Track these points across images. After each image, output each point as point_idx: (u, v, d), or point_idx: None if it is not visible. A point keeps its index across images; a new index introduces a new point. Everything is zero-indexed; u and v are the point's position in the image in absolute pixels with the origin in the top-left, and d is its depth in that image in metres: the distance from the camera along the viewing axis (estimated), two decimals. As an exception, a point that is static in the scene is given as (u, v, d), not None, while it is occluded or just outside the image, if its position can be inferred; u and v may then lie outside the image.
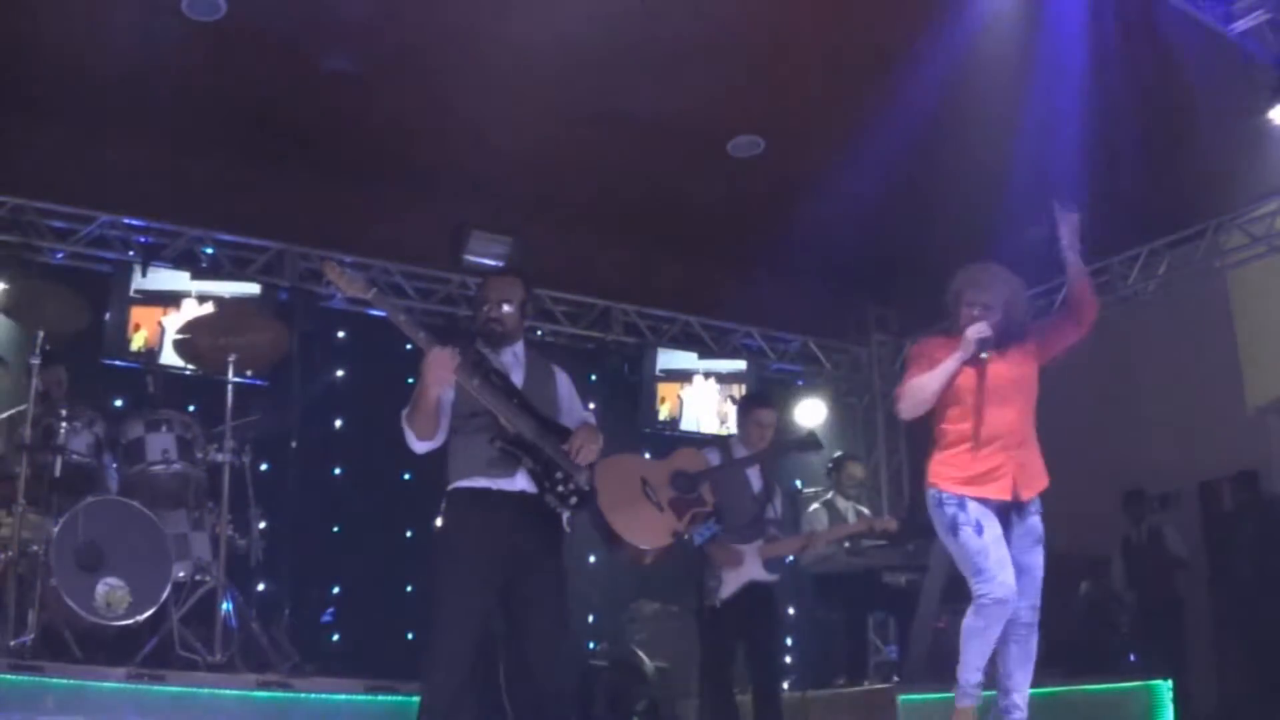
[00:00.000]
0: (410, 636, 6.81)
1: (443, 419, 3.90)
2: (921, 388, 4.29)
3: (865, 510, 7.15)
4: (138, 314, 6.93)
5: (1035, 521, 4.29)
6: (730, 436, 5.75)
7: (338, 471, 7.35)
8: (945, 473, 4.28)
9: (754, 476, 5.51)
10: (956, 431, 4.32)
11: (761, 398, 6.25)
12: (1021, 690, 4.21)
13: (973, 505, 4.16)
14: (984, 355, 4.22)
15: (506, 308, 4.09)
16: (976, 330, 4.24)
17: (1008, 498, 4.20)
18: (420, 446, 3.93)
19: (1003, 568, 4.07)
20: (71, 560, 4.69)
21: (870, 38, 6.30)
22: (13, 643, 4.47)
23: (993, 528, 4.13)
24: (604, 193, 7.58)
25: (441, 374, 3.75)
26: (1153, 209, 7.74)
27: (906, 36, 6.21)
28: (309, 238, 7.47)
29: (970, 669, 4.14)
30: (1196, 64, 6.15)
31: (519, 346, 4.16)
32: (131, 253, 7.03)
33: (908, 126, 6.92)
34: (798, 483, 7.77)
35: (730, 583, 5.25)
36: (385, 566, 7.16)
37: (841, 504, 6.92)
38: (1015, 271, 4.47)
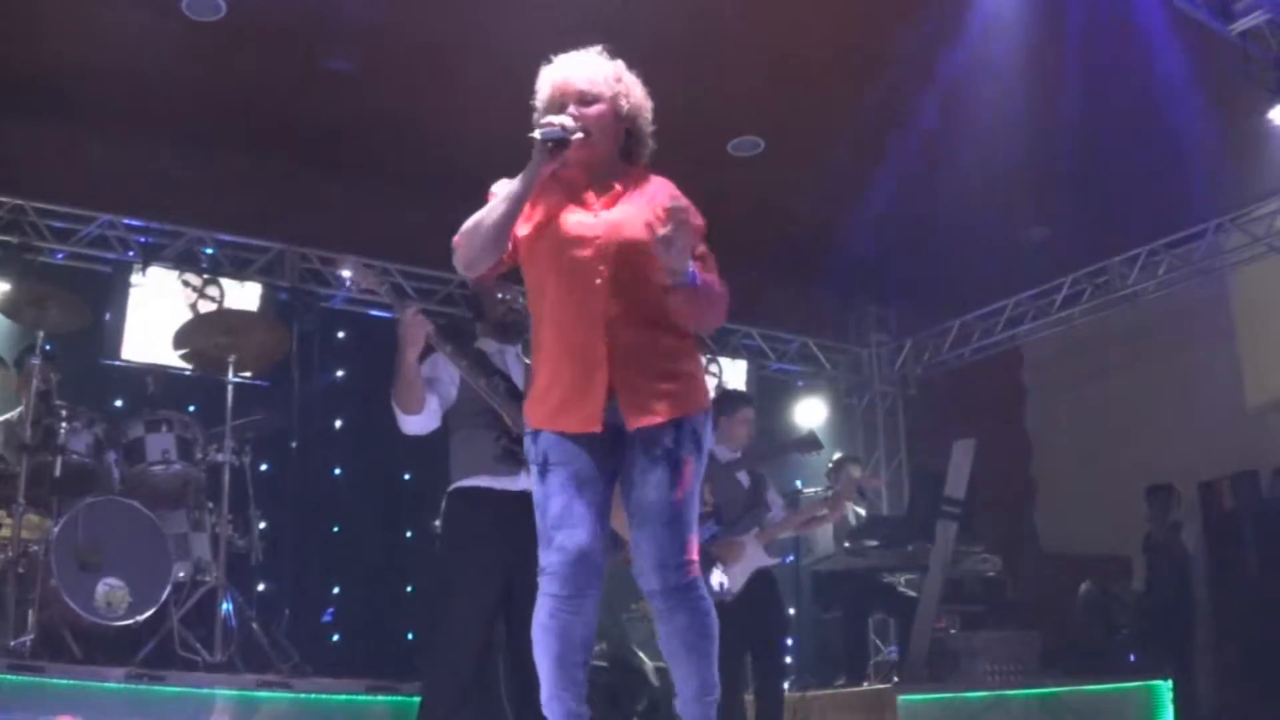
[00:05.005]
0: (410, 636, 6.82)
1: (426, 392, 3.96)
2: (476, 224, 2.80)
3: (863, 511, 7.16)
4: (138, 314, 6.92)
5: (654, 436, 2.79)
6: None
7: (338, 471, 7.34)
8: (528, 387, 2.98)
9: (742, 473, 5.54)
10: (538, 309, 2.91)
11: (742, 396, 6.23)
12: (686, 692, 2.87)
13: (546, 437, 2.84)
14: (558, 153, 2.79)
15: (522, 299, 4.17)
16: (549, 120, 2.80)
17: (596, 429, 2.78)
18: (409, 424, 3.98)
19: (563, 526, 2.77)
20: (71, 560, 4.69)
21: (871, 38, 6.29)
22: (13, 643, 4.46)
23: (564, 467, 2.80)
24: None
25: (413, 333, 3.82)
26: (1153, 209, 7.74)
27: (907, 37, 6.21)
28: (309, 238, 7.47)
29: (547, 690, 2.80)
30: (1196, 64, 6.16)
31: (520, 349, 4.22)
32: (131, 253, 7.03)
33: (908, 127, 6.93)
34: (798, 483, 7.77)
35: (738, 576, 5.27)
36: (385, 566, 7.16)
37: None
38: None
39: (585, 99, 2.88)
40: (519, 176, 2.80)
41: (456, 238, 2.84)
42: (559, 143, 2.78)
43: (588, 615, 2.79)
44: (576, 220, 2.85)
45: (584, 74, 2.91)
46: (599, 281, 2.78)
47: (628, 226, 2.84)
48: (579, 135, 2.81)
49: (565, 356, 2.81)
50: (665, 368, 2.84)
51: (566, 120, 2.81)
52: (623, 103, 2.93)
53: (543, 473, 2.80)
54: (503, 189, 2.84)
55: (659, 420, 2.79)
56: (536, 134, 2.78)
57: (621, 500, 2.84)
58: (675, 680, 2.87)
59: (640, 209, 2.87)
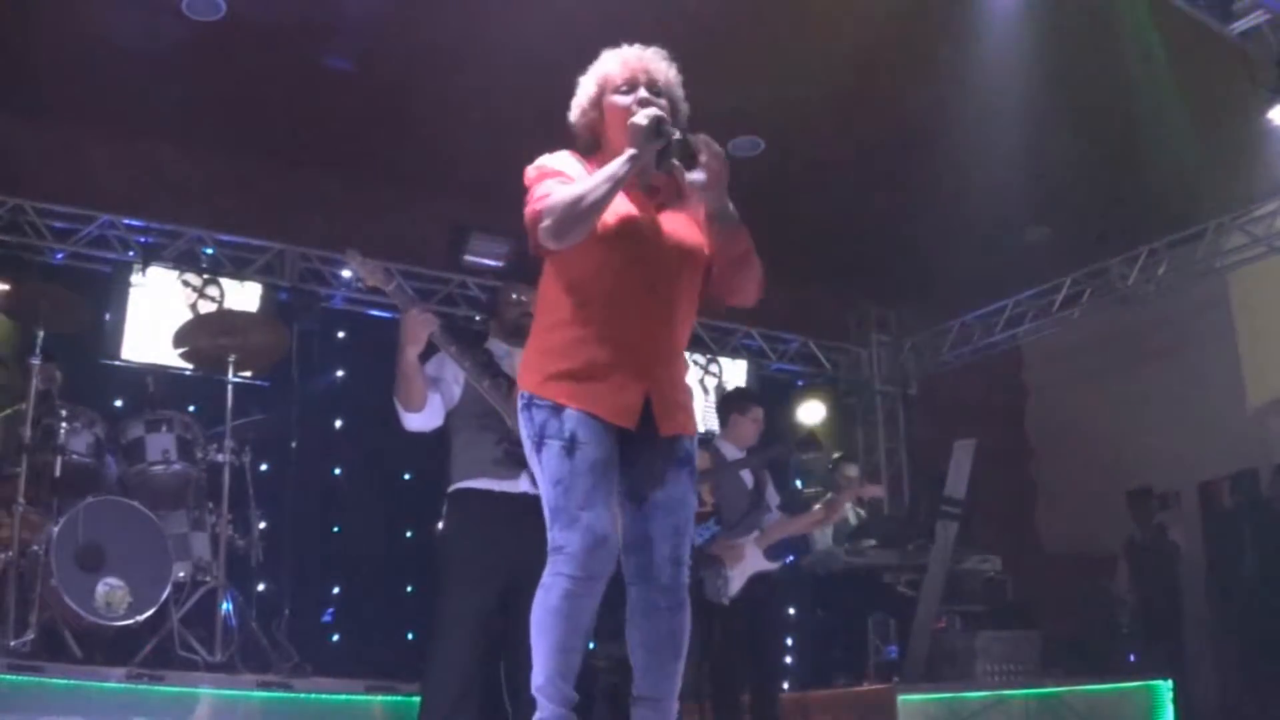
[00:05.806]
0: (410, 636, 6.81)
1: (430, 391, 3.98)
2: (578, 199, 2.71)
3: (863, 511, 7.16)
4: (138, 314, 6.92)
5: (680, 444, 2.86)
6: (714, 436, 5.73)
7: (338, 471, 7.34)
8: (539, 363, 2.86)
9: (745, 473, 5.55)
10: (580, 295, 2.83)
11: (755, 395, 6.25)
12: (662, 699, 2.80)
13: (573, 415, 2.75)
14: (667, 168, 2.83)
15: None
16: (648, 113, 2.78)
17: (629, 425, 2.78)
18: (412, 421, 3.99)
19: (590, 507, 2.71)
20: (71, 560, 4.69)
21: (871, 38, 6.29)
22: (13, 643, 4.46)
23: (593, 447, 2.73)
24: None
25: (416, 331, 3.84)
26: (1153, 209, 7.74)
27: (907, 36, 6.21)
28: (309, 238, 7.47)
29: (544, 673, 2.73)
30: (1196, 64, 6.15)
31: None
32: (131, 253, 7.03)
33: (907, 126, 6.93)
34: (798, 483, 7.77)
35: (736, 579, 5.28)
36: (385, 566, 7.15)
37: (841, 504, 6.92)
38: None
39: (656, 88, 2.90)
40: (621, 159, 2.74)
41: (543, 206, 2.74)
42: (661, 135, 2.76)
43: (595, 602, 2.75)
44: (650, 219, 2.87)
45: (659, 64, 2.94)
46: (662, 286, 2.84)
47: (687, 235, 2.91)
48: (677, 135, 2.79)
49: (612, 346, 2.78)
50: (684, 386, 2.95)
51: (661, 114, 2.80)
52: (681, 106, 2.98)
53: (569, 450, 2.70)
54: (582, 172, 2.81)
55: (684, 431, 2.88)
56: (672, 128, 2.78)
57: (634, 499, 2.83)
58: (650, 679, 2.80)
59: (687, 219, 2.93)
